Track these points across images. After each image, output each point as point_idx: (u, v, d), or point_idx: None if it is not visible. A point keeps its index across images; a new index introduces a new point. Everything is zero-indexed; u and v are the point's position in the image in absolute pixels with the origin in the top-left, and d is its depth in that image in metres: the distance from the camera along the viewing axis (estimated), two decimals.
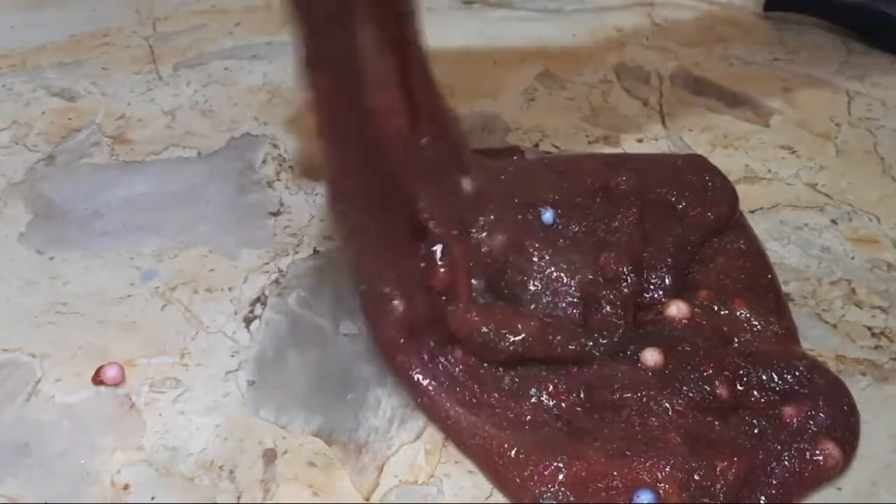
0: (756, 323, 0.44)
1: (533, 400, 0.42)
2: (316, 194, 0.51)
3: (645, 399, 0.41)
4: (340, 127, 0.42)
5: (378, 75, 0.41)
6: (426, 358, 0.42)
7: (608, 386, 0.41)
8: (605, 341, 0.43)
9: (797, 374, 0.41)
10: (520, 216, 0.47)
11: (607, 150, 0.55)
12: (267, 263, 0.48)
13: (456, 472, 0.40)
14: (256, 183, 0.52)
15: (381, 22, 0.41)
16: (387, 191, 0.43)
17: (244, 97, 0.57)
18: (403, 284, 0.42)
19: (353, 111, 0.42)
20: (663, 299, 0.45)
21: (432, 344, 0.42)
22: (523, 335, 0.42)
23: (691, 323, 0.44)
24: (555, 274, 0.45)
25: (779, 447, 0.40)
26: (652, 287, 0.45)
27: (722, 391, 0.41)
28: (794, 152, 0.55)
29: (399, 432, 0.41)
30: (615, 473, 0.38)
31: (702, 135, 0.56)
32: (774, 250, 0.48)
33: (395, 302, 0.42)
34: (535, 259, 0.45)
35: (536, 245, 0.45)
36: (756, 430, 0.40)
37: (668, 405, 0.40)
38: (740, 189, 0.49)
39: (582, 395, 0.41)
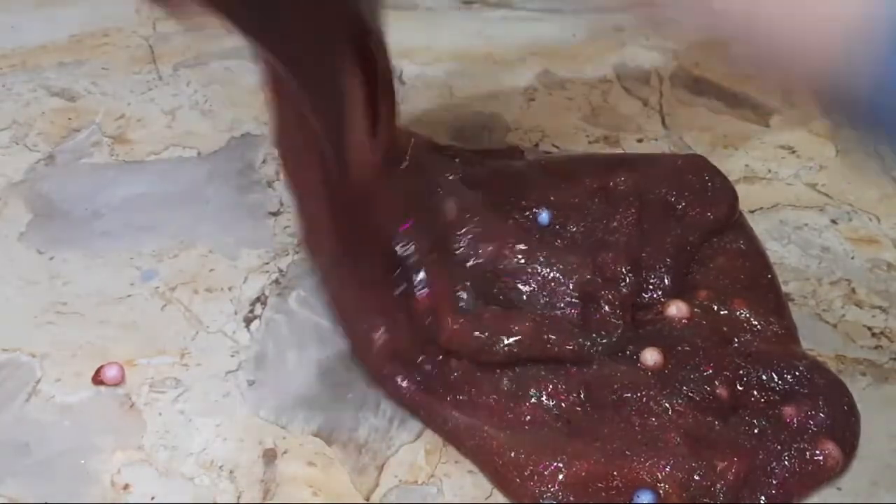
0: (756, 323, 0.44)
1: (532, 400, 0.42)
2: None
3: (644, 399, 0.41)
4: (308, 172, 0.42)
5: (349, 115, 0.40)
6: (418, 378, 0.42)
7: (607, 385, 0.41)
8: (604, 341, 0.43)
9: (797, 374, 0.41)
10: (513, 220, 0.47)
11: (607, 149, 0.55)
12: (267, 263, 0.48)
13: (456, 472, 0.40)
14: (256, 183, 0.52)
15: (352, 55, 0.40)
16: (358, 227, 0.43)
17: (244, 97, 0.57)
18: (383, 314, 0.42)
19: (320, 157, 0.41)
20: (663, 299, 0.45)
21: (422, 360, 0.42)
22: (519, 336, 0.42)
23: (691, 323, 0.44)
24: (552, 275, 0.45)
25: (779, 447, 0.40)
26: (651, 287, 0.45)
27: (722, 391, 0.41)
28: (794, 152, 0.55)
29: (399, 432, 0.41)
30: (615, 473, 0.38)
31: (702, 135, 0.56)
32: (774, 250, 0.48)
33: (376, 334, 0.42)
34: (530, 262, 0.45)
35: (530, 248, 0.45)
36: (756, 430, 0.40)
37: (667, 405, 0.40)
38: (740, 189, 0.49)
39: (581, 395, 0.41)
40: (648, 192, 0.48)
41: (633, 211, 0.47)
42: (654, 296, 0.45)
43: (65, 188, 0.52)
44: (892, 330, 0.45)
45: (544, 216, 0.46)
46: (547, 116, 0.57)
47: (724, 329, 0.44)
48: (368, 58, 0.40)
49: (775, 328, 0.44)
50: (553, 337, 0.42)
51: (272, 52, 0.38)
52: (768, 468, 0.39)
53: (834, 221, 0.50)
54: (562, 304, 0.44)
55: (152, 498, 0.39)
